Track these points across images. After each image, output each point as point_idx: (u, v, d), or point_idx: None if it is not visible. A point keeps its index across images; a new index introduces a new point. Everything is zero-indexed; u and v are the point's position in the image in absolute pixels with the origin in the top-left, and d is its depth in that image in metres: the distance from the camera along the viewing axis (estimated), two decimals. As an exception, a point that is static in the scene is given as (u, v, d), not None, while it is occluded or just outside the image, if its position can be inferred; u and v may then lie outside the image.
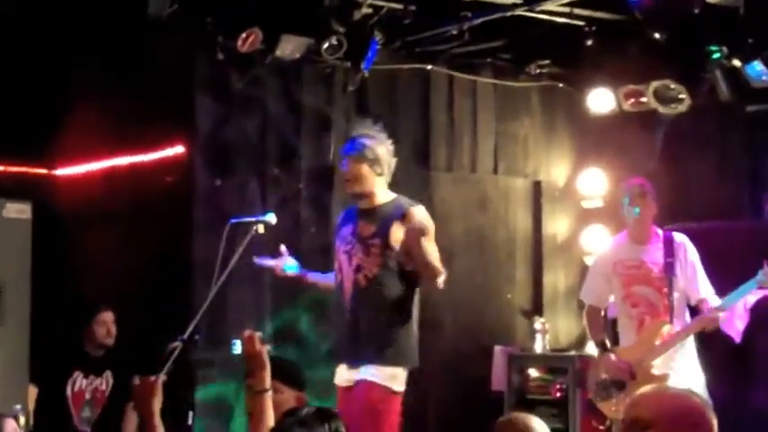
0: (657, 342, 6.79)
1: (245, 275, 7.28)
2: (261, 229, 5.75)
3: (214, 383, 8.03)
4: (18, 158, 8.79)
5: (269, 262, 6.54)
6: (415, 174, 8.91)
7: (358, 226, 6.30)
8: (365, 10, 8.02)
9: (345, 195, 8.90)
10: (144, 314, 7.88)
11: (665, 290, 6.85)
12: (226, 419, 8.03)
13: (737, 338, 7.33)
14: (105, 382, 7.72)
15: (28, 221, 7.68)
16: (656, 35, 8.01)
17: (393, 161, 6.43)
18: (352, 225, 6.35)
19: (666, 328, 6.79)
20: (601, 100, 8.98)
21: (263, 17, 7.91)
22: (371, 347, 6.14)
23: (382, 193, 6.34)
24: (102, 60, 8.50)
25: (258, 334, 4.39)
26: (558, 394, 8.67)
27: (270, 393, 4.34)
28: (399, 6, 8.10)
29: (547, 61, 9.22)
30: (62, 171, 9.15)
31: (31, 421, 7.35)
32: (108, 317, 7.70)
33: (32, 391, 7.53)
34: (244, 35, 7.96)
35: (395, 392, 6.12)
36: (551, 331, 9.23)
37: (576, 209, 9.59)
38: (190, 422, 5.99)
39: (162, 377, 4.51)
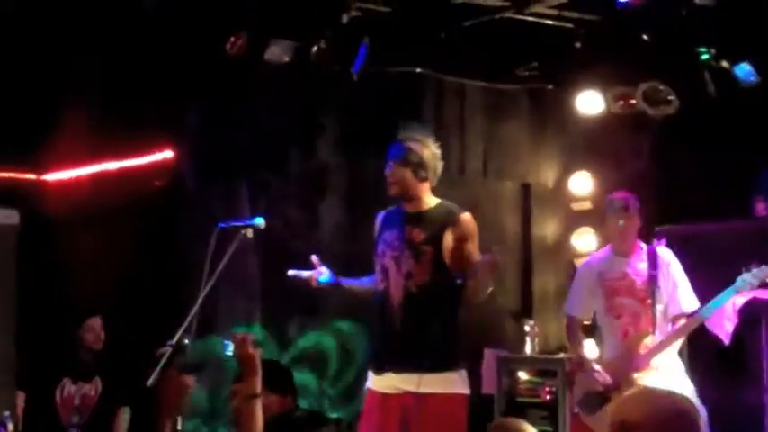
0: (641, 353, 6.78)
1: (235, 280, 7.27)
2: (249, 233, 5.73)
3: (203, 388, 8.03)
4: (6, 163, 8.76)
5: (303, 274, 6.42)
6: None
7: (406, 231, 6.17)
8: (354, 13, 8.01)
9: (336, 199, 8.98)
10: (133, 319, 7.88)
11: (649, 301, 6.85)
12: (216, 424, 8.02)
13: (726, 340, 7.33)
14: (94, 387, 7.70)
15: (15, 227, 7.67)
16: (645, 37, 8.02)
17: (440, 165, 6.31)
18: (398, 230, 6.21)
19: (649, 339, 6.79)
20: (590, 102, 8.98)
21: (251, 21, 7.90)
22: (430, 356, 6.00)
23: (428, 198, 6.26)
24: (91, 65, 8.48)
25: (251, 336, 4.34)
26: (548, 397, 8.67)
27: (260, 399, 4.29)
28: (388, 9, 8.09)
29: (535, 64, 9.21)
30: (51, 176, 9.12)
31: (20, 428, 7.32)
32: (96, 323, 7.69)
33: (21, 398, 7.51)
34: (232, 39, 7.96)
35: (466, 396, 6.12)
36: (541, 334, 9.23)
37: (565, 211, 9.60)
38: (179, 427, 5.97)
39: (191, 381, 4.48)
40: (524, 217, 9.70)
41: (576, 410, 7.06)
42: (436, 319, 6.10)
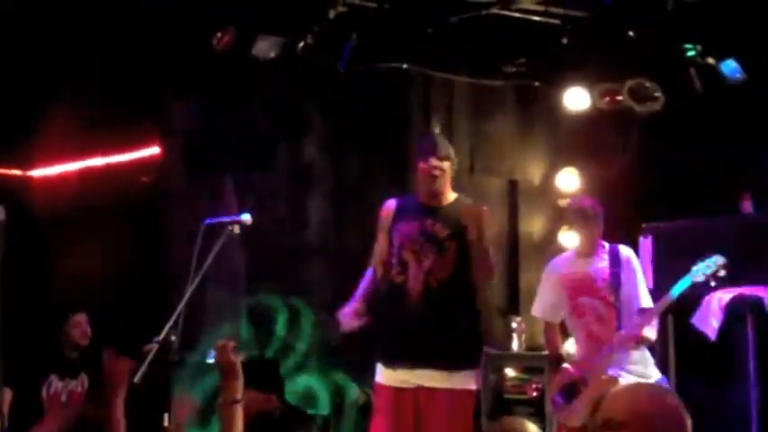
0: (607, 348, 6.80)
1: (221, 276, 7.26)
2: (236, 229, 5.73)
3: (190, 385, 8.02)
4: (-8, 159, 8.76)
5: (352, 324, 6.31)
6: (392, 172, 8.91)
7: (427, 225, 6.21)
8: (341, 9, 8.00)
9: (322, 195, 8.97)
10: (119, 316, 7.86)
11: (611, 298, 6.88)
12: (202, 421, 8.01)
13: (713, 336, 7.35)
14: (81, 384, 7.68)
15: (2, 223, 7.63)
16: (631, 33, 8.03)
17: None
18: (417, 222, 6.23)
19: (614, 335, 6.83)
20: (576, 98, 8.98)
21: (238, 16, 7.89)
22: (448, 353, 6.10)
23: (450, 193, 6.36)
24: (77, 62, 8.46)
25: (232, 343, 4.33)
26: (535, 393, 8.67)
27: (241, 404, 4.29)
28: (375, 5, 8.08)
29: (522, 60, 9.21)
30: (37, 172, 9.11)
31: (6, 425, 7.30)
32: (82, 319, 7.67)
33: (7, 395, 7.49)
34: (219, 34, 7.95)
35: (475, 391, 6.23)
36: (528, 331, 9.22)
37: (552, 208, 9.59)
38: (166, 424, 5.96)
39: (132, 362, 4.47)
40: (511, 214, 9.70)
41: (551, 408, 7.10)
42: (456, 316, 6.16)
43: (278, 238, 8.47)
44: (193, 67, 8.21)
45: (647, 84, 8.53)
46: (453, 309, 6.15)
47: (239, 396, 4.29)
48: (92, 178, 8.74)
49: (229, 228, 5.72)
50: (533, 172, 9.78)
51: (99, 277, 8.24)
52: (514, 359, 9.04)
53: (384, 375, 6.17)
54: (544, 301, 7.25)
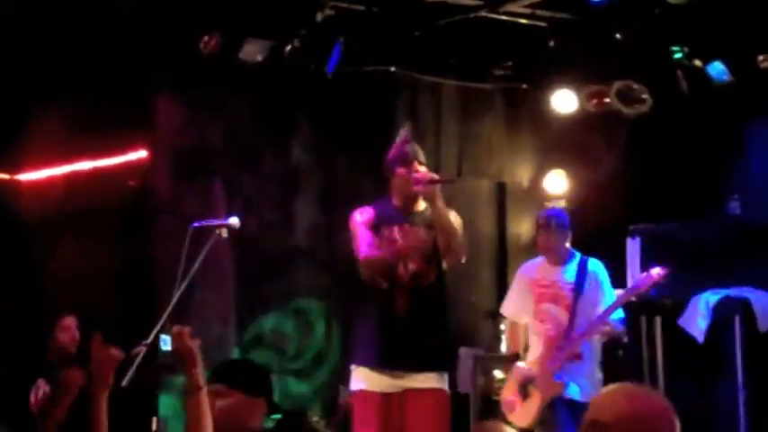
0: (558, 354, 6.90)
1: (209, 279, 7.25)
2: (224, 232, 5.72)
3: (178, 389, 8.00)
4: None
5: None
6: (380, 175, 8.90)
7: (409, 227, 6.24)
8: (328, 12, 8.01)
9: (310, 198, 8.97)
10: (107, 319, 7.84)
11: (572, 308, 6.95)
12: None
13: (700, 338, 7.37)
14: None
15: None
16: (618, 36, 8.05)
17: None
18: (398, 224, 6.24)
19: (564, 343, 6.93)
20: (564, 101, 9.00)
21: (225, 20, 7.88)
22: (431, 354, 6.16)
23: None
24: (64, 65, 8.44)
25: (188, 329, 4.25)
26: (523, 396, 8.67)
27: (205, 391, 4.18)
28: (362, 8, 8.09)
29: (510, 63, 9.23)
30: (24, 176, 9.08)
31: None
32: (71, 322, 7.66)
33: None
34: (206, 38, 7.94)
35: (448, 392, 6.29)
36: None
37: (540, 210, 9.59)
38: (154, 427, 5.97)
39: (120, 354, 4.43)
40: (499, 216, 9.71)
41: (503, 408, 7.16)
42: (440, 319, 6.24)
43: (266, 241, 8.46)
44: (181, 71, 8.20)
45: (635, 86, 8.55)
46: (438, 311, 6.23)
47: (201, 383, 4.15)
48: (79, 182, 8.72)
49: (217, 231, 5.71)
50: (521, 174, 9.79)
51: (87, 281, 8.22)
52: (503, 361, 9.03)
53: (370, 381, 6.16)
54: (513, 301, 7.34)
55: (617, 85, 8.60)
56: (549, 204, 9.46)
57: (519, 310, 7.31)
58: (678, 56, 8.16)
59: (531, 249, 9.59)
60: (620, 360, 7.76)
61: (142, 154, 8.42)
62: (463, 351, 9.02)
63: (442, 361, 6.26)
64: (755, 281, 7.45)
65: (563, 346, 6.87)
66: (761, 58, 7.90)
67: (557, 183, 9.50)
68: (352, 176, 8.86)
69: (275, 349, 8.65)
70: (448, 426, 6.20)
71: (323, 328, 8.88)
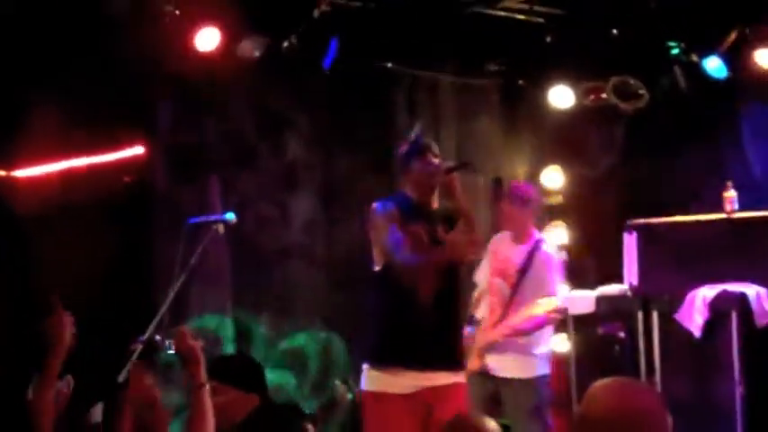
0: (488, 331, 7.08)
1: (206, 276, 7.25)
2: (221, 228, 5.71)
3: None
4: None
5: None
6: (377, 172, 8.91)
7: (434, 227, 6.10)
8: (325, 8, 8.00)
9: (307, 194, 8.96)
10: (104, 316, 7.83)
11: (515, 287, 7.08)
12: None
13: (697, 333, 7.37)
14: (66, 385, 7.65)
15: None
16: (615, 31, 8.05)
17: None
18: (422, 223, 6.10)
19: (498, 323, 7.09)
20: (561, 96, 9.00)
21: (222, 16, 7.88)
22: (455, 354, 6.12)
23: None
24: (60, 61, 8.43)
25: (190, 329, 4.34)
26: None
27: (207, 388, 4.29)
28: (359, 4, 8.08)
29: (506, 58, 9.22)
30: (20, 172, 9.06)
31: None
32: (67, 320, 7.63)
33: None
34: (203, 34, 7.93)
35: None
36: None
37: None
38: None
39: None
40: (496, 212, 9.70)
41: None
42: (460, 318, 6.26)
43: (263, 237, 8.46)
44: (178, 67, 8.19)
45: (631, 81, 8.56)
46: (457, 307, 6.19)
47: (203, 379, 4.29)
48: (75, 178, 8.70)
49: (214, 227, 5.71)
50: (518, 170, 9.77)
51: (83, 277, 8.21)
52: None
53: (388, 383, 5.99)
54: (480, 270, 7.40)
55: (614, 80, 8.61)
56: (547, 200, 9.48)
57: (482, 279, 7.38)
58: (675, 51, 8.17)
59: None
60: (616, 355, 7.77)
61: (139, 150, 8.41)
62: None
63: (462, 357, 6.22)
64: (752, 276, 7.45)
65: (497, 323, 7.02)
66: (757, 53, 7.91)
67: (553, 178, 9.50)
68: (350, 173, 8.86)
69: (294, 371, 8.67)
70: None
71: (320, 324, 8.88)
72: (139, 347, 5.07)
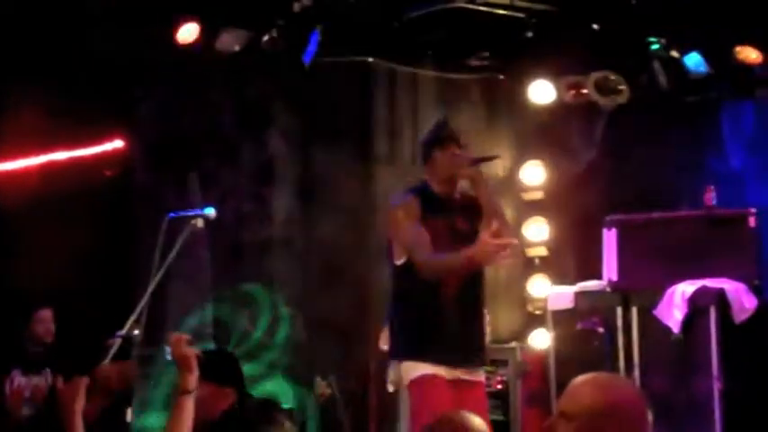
0: None
1: (186, 270, 7.23)
2: (200, 223, 5.71)
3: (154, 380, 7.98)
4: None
5: None
6: (357, 166, 8.91)
7: (454, 221, 5.97)
8: (305, 2, 7.99)
9: (287, 189, 8.95)
10: (83, 310, 7.82)
11: None
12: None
13: (676, 328, 7.39)
14: (45, 379, 7.64)
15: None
16: (595, 26, 8.06)
17: None
18: (444, 219, 5.95)
19: None
20: (542, 91, 9.00)
21: (202, 10, 7.86)
22: (482, 350, 6.03)
23: None
24: (40, 55, 8.41)
25: (186, 336, 4.33)
26: (500, 386, 8.67)
27: (193, 396, 4.30)
28: (340, -2, 8.09)
29: (487, 53, 9.22)
30: (1, 166, 9.04)
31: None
32: (46, 315, 7.63)
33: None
34: (183, 28, 7.92)
35: None
36: (492, 323, 9.19)
37: (517, 201, 9.59)
38: (128, 419, 5.94)
39: (85, 380, 4.44)
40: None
41: None
42: (483, 313, 6.10)
43: (242, 232, 8.44)
44: (158, 61, 8.17)
45: (612, 77, 8.56)
46: (483, 305, 6.08)
47: (191, 387, 4.28)
48: (55, 172, 8.68)
49: (193, 222, 5.70)
50: (498, 165, 9.77)
51: (62, 272, 8.19)
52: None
53: (429, 369, 5.82)
54: None
55: (594, 75, 8.62)
56: (527, 196, 9.49)
57: None
58: (655, 47, 8.18)
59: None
60: (595, 350, 7.78)
61: (119, 144, 8.39)
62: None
63: (485, 353, 6.15)
64: (731, 272, 7.47)
65: None
66: (737, 48, 7.93)
67: (534, 173, 9.50)
68: (330, 167, 8.85)
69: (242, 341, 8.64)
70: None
71: (296, 318, 8.87)
72: (118, 342, 5.06)
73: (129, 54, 8.18)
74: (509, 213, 9.63)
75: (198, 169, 8.43)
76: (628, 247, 7.69)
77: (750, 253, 7.55)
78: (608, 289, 7.73)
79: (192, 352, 4.32)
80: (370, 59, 9.03)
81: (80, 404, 4.39)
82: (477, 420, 4.23)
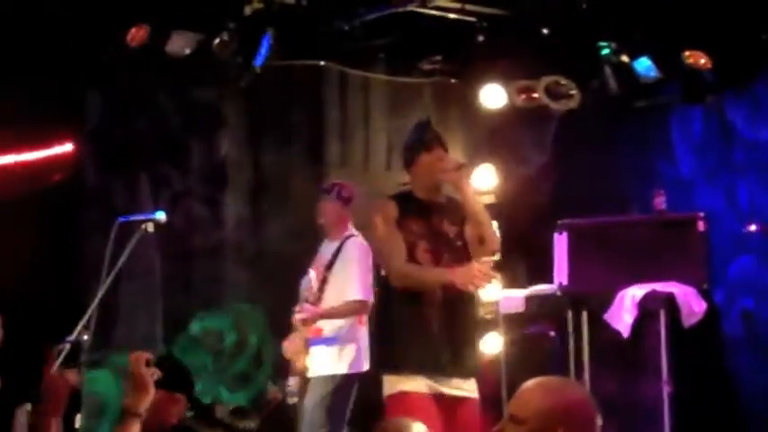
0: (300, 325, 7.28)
1: (136, 275, 7.20)
2: (150, 227, 5.68)
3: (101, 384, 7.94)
4: None
5: None
6: (309, 169, 8.90)
7: (434, 222, 5.82)
8: (257, 5, 7.96)
9: (238, 192, 8.92)
10: (31, 315, 7.74)
11: (321, 283, 7.29)
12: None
13: (625, 333, 7.42)
14: (-8, 384, 7.56)
15: None
16: (545, 31, 8.09)
17: None
18: (425, 221, 5.81)
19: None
20: (493, 96, 9.01)
21: (152, 12, 7.82)
22: (470, 361, 5.84)
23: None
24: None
25: (145, 355, 4.15)
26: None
27: (140, 421, 4.09)
28: (292, 1, 8.05)
29: (439, 57, 9.23)
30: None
31: None
32: (-4, 321, 7.55)
33: None
34: (133, 30, 7.87)
35: None
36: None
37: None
38: (77, 425, 5.89)
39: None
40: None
41: None
42: (473, 323, 6.01)
43: (193, 235, 8.41)
44: (108, 64, 8.12)
45: (563, 81, 8.60)
46: (472, 314, 5.98)
47: (141, 410, 4.06)
48: (3, 176, 8.60)
49: (144, 226, 5.67)
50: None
51: (10, 277, 8.11)
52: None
53: (409, 384, 5.68)
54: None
55: (545, 80, 8.65)
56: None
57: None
58: (606, 52, 8.22)
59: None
60: (546, 354, 7.81)
61: (68, 147, 8.32)
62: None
63: (476, 364, 5.97)
64: (681, 276, 7.51)
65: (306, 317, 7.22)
66: (687, 53, 7.98)
67: (485, 177, 9.51)
68: (281, 170, 8.84)
69: (209, 350, 8.61)
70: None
71: (257, 327, 8.84)
72: (66, 348, 5.02)
73: (79, 57, 8.12)
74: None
75: (148, 172, 8.39)
76: (578, 251, 7.71)
77: (699, 257, 7.60)
78: (558, 293, 7.75)
79: (149, 373, 4.13)
80: (322, 63, 9.02)
81: (64, 402, 4.25)
82: (419, 428, 4.20)
